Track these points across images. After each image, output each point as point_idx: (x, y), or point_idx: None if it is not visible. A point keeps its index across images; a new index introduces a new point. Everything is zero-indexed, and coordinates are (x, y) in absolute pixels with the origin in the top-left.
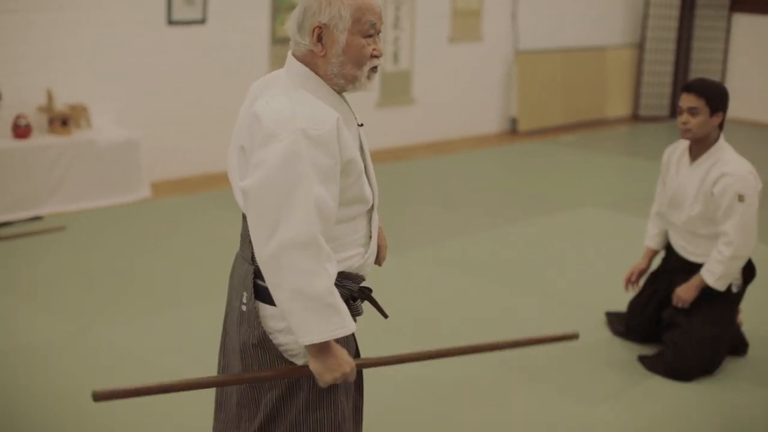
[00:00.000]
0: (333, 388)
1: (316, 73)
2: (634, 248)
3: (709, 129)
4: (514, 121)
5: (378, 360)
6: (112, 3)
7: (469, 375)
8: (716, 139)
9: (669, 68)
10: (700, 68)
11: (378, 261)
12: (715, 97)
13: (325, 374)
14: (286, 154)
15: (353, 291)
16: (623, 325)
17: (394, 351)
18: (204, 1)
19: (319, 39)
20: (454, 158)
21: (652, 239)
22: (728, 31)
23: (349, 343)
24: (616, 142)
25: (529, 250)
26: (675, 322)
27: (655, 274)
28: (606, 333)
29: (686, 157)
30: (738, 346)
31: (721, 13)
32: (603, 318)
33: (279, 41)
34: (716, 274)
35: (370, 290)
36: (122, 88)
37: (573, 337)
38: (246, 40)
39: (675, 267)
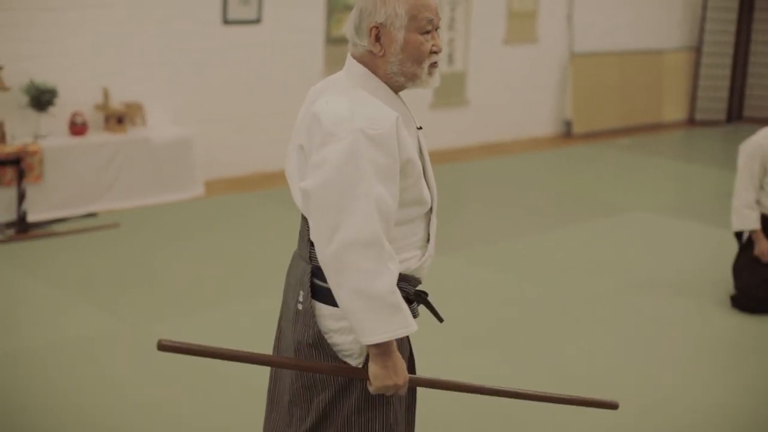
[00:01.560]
0: (388, 401)
1: (376, 73)
2: (687, 252)
3: None
4: (568, 124)
5: (432, 381)
6: (168, 2)
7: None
8: None
9: (727, 72)
10: (758, 72)
11: None
12: None
13: (381, 379)
14: (346, 153)
15: (409, 294)
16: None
17: (442, 351)
18: (259, 0)
19: (377, 39)
20: (507, 160)
21: (756, 222)
22: None
23: (404, 344)
24: (672, 146)
25: (582, 253)
26: None
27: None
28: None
29: None
30: None
31: None
32: (652, 322)
33: (333, 41)
34: None
35: (426, 294)
36: (177, 87)
37: (612, 406)
38: (301, 39)
39: None
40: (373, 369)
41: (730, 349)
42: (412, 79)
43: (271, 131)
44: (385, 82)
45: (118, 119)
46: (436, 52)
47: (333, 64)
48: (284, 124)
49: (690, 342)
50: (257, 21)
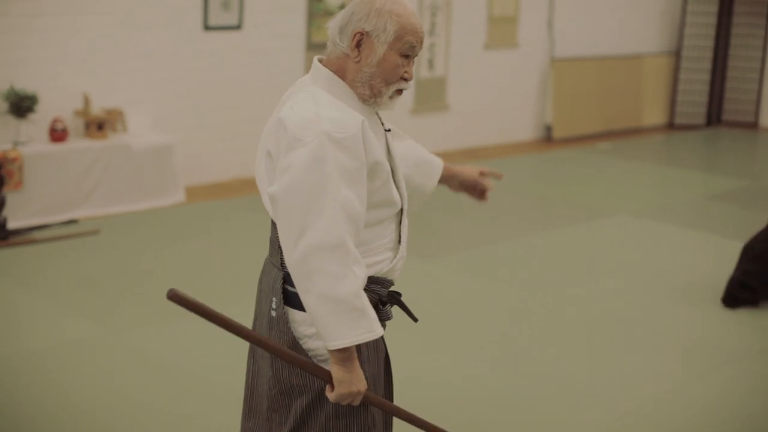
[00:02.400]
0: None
1: (344, 77)
2: (670, 254)
3: None
4: (549, 129)
5: (389, 406)
6: (149, 8)
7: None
8: None
9: (706, 77)
10: (737, 76)
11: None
12: None
13: (345, 384)
14: (312, 157)
15: (382, 295)
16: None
17: (419, 356)
18: (240, 6)
19: (358, 45)
20: (488, 165)
21: None
22: (766, 39)
23: (379, 345)
24: (652, 150)
25: (566, 257)
26: None
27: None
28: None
29: None
30: None
31: (758, 21)
32: (637, 323)
33: (314, 47)
34: None
35: (400, 294)
36: (158, 93)
37: None
38: (281, 45)
39: None
40: (338, 374)
41: (720, 348)
42: (376, 95)
43: (251, 137)
44: (351, 89)
45: (98, 126)
46: (406, 80)
47: None
48: (264, 130)
49: (678, 342)
50: (238, 27)
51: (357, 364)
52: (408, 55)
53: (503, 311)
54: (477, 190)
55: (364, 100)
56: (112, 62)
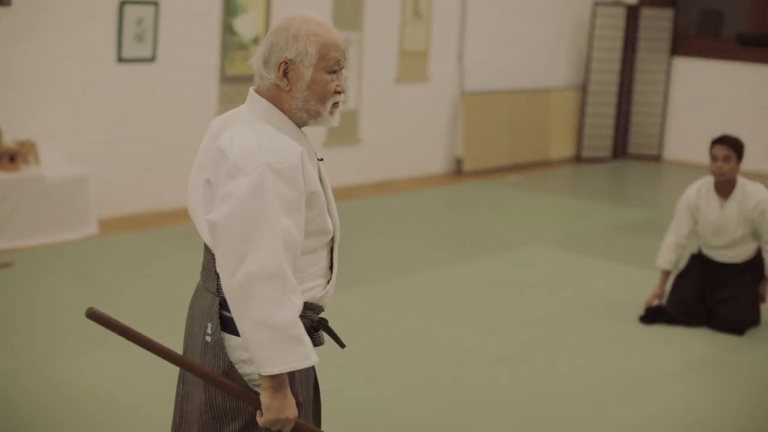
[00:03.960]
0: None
1: (280, 107)
2: (581, 283)
3: (736, 171)
4: (459, 162)
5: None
6: (61, 39)
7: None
8: (736, 178)
9: (611, 110)
10: (641, 111)
11: None
12: (741, 148)
13: (275, 411)
14: (253, 186)
15: (314, 321)
16: (680, 312)
17: (343, 384)
18: (154, 39)
19: (285, 74)
20: (400, 198)
21: (669, 264)
22: (668, 74)
23: (309, 371)
24: (560, 183)
25: (479, 287)
26: (722, 300)
27: (685, 274)
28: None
29: (713, 195)
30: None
31: (661, 57)
32: (549, 351)
33: (228, 79)
34: None
35: (327, 321)
36: (71, 125)
37: None
38: (195, 78)
39: (711, 268)
40: (267, 401)
41: (639, 370)
42: (315, 116)
43: (165, 169)
44: (289, 117)
45: (10, 157)
46: (339, 92)
47: (227, 103)
48: (178, 162)
49: (595, 364)
50: (152, 59)
51: (288, 390)
52: (335, 70)
53: (421, 340)
54: None
55: (305, 124)
56: (25, 94)
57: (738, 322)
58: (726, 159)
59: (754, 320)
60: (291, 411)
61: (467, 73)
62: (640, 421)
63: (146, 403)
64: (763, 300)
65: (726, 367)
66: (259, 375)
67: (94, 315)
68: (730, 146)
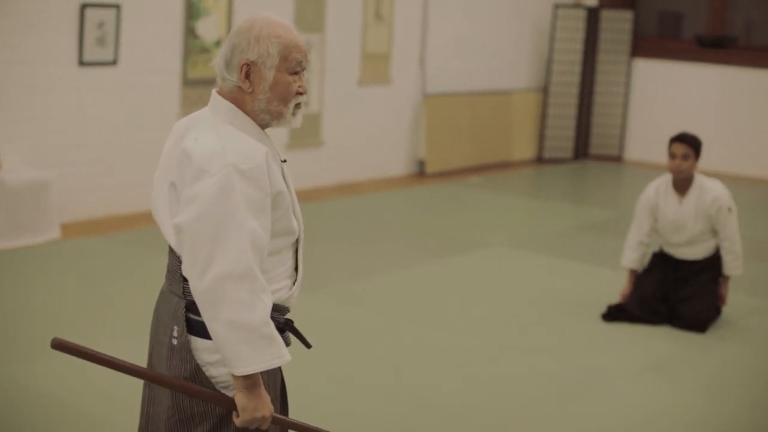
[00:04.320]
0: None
1: (242, 109)
2: (544, 282)
3: (694, 169)
4: (422, 164)
5: (294, 423)
6: (22, 44)
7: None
8: (693, 175)
9: (572, 112)
10: (602, 112)
11: None
12: (699, 146)
13: (250, 411)
14: (219, 188)
15: (280, 322)
16: (639, 309)
17: (308, 383)
18: (116, 42)
19: (247, 76)
20: (362, 200)
21: (634, 262)
22: (629, 75)
23: (276, 373)
24: (522, 184)
25: (442, 287)
26: (684, 298)
27: (647, 272)
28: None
29: (671, 193)
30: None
31: (621, 58)
32: (512, 350)
33: (190, 83)
34: (738, 267)
35: (293, 322)
36: (32, 129)
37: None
38: (157, 81)
39: (672, 266)
40: (242, 401)
41: (598, 368)
42: (277, 117)
43: (127, 172)
44: (252, 119)
45: None
46: (301, 93)
47: (189, 106)
48: (141, 165)
49: (555, 363)
50: (113, 63)
51: (262, 389)
52: (297, 72)
53: (385, 341)
54: None
55: (267, 125)
56: None
57: (700, 320)
58: (684, 157)
59: (714, 317)
60: (267, 409)
61: (429, 75)
62: (601, 419)
63: (106, 409)
64: (722, 300)
65: (688, 365)
66: (233, 376)
67: (60, 346)
68: (688, 144)
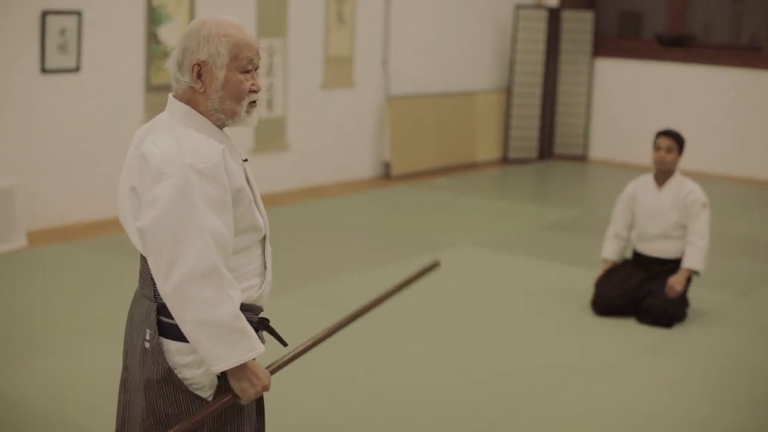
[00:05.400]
0: (236, 418)
1: (197, 109)
2: (509, 282)
3: (676, 163)
4: (387, 166)
5: (289, 357)
6: None
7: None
8: (674, 170)
9: (536, 112)
10: (565, 112)
11: None
12: (683, 142)
13: (248, 392)
14: (177, 189)
15: (253, 322)
16: (600, 310)
17: (281, 381)
18: (78, 49)
19: (199, 76)
20: (328, 203)
21: (612, 253)
22: (591, 74)
23: None
24: (488, 184)
25: (413, 287)
26: (651, 291)
27: (617, 268)
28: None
29: (651, 183)
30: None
31: (583, 58)
32: (482, 349)
33: (154, 88)
34: (700, 261)
35: (268, 320)
36: None
37: (435, 265)
38: (120, 87)
39: (644, 265)
40: (238, 386)
41: (565, 365)
42: (232, 116)
43: (92, 179)
44: (207, 118)
45: None
46: (255, 91)
47: (153, 111)
48: (106, 172)
49: (525, 361)
50: (76, 69)
51: (249, 366)
52: (248, 70)
53: (355, 341)
54: None
55: (224, 125)
56: None
57: (666, 315)
58: (669, 150)
59: (680, 314)
60: (262, 379)
61: (392, 77)
62: (572, 415)
63: (78, 414)
64: (671, 290)
65: (655, 361)
66: (213, 372)
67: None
68: (673, 138)
